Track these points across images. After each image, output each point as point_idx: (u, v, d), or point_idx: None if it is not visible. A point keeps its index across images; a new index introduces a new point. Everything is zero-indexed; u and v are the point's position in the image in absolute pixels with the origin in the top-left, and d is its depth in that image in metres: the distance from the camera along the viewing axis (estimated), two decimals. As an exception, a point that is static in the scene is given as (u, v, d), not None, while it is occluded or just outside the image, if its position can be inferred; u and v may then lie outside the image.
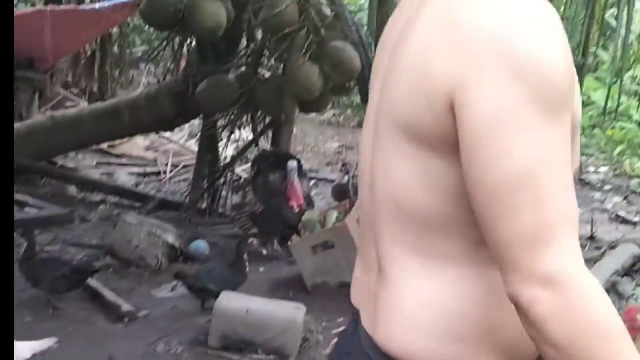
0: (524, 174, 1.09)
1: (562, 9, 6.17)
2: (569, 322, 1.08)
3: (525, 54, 1.08)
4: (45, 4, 8.83)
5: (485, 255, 1.19)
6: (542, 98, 1.08)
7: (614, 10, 8.32)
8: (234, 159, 6.92)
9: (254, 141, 6.83)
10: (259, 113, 6.61)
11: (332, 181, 7.34)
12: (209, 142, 6.91)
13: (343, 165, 6.89)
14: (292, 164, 5.63)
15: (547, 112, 1.09)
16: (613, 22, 8.99)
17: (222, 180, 6.79)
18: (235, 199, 6.71)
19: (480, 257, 1.22)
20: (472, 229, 1.20)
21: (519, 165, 1.09)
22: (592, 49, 7.83)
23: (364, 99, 6.30)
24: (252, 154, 6.91)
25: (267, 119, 6.63)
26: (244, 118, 6.71)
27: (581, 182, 8.73)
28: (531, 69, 1.08)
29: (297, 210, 5.57)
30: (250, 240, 5.19)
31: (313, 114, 9.55)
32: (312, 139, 10.09)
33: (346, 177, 6.43)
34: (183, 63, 7.00)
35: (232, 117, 6.57)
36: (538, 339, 1.11)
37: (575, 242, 1.10)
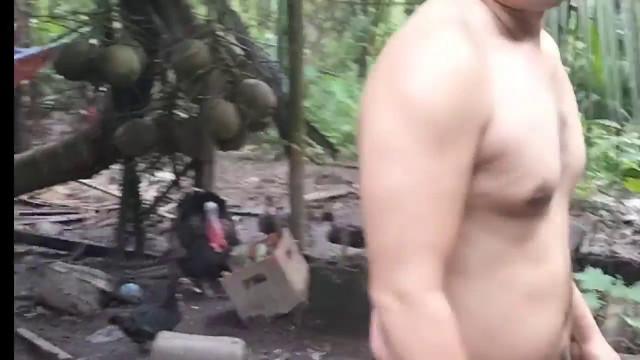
0: (391, 197, 1.23)
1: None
2: (407, 338, 1.23)
3: (410, 92, 1.21)
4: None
5: None
6: (421, 133, 1.20)
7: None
8: (157, 200, 6.97)
9: (176, 182, 6.88)
10: (178, 154, 6.67)
11: (256, 215, 7.42)
12: (130, 186, 6.93)
13: (268, 199, 6.98)
14: (210, 205, 5.69)
15: (427, 145, 1.21)
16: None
17: (146, 222, 6.83)
18: (162, 242, 6.76)
19: None
20: None
21: (388, 188, 1.23)
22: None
23: (281, 133, 6.43)
24: (175, 194, 6.95)
25: (187, 159, 6.70)
26: (164, 160, 6.76)
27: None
28: (412, 106, 1.20)
29: (219, 250, 5.63)
30: (181, 279, 5.25)
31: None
32: (232, 175, 10.15)
33: (272, 210, 6.53)
34: (98, 110, 7.03)
35: (152, 159, 6.61)
36: (385, 344, 1.27)
37: (432, 268, 1.24)
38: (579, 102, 1.69)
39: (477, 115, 1.24)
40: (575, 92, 1.62)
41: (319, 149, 8.62)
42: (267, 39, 11.41)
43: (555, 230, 1.43)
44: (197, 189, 6.40)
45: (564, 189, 1.44)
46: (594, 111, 8.48)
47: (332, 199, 8.97)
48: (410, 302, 1.22)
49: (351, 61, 13.80)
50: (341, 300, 4.78)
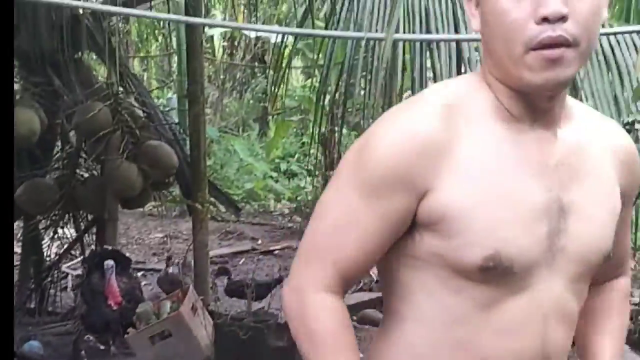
0: (320, 207, 1.49)
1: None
2: (296, 324, 1.48)
3: (369, 143, 1.44)
4: None
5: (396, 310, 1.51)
6: (360, 174, 1.43)
7: (409, 93, 8.79)
8: (59, 257, 6.86)
9: (79, 239, 6.81)
10: (81, 212, 6.60)
11: (160, 271, 7.36)
12: (32, 243, 6.81)
13: (168, 258, 6.94)
14: (108, 263, 5.66)
15: (360, 184, 1.42)
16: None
17: (49, 279, 6.70)
18: (65, 298, 6.63)
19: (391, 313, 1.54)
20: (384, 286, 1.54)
21: (321, 200, 1.48)
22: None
23: (184, 192, 6.45)
24: (78, 250, 6.85)
25: (90, 217, 6.63)
26: (67, 217, 6.67)
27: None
28: (365, 153, 1.43)
29: (115, 308, 5.58)
30: (86, 336, 5.17)
31: (135, 208, 9.47)
32: (136, 232, 10.08)
33: (173, 268, 6.50)
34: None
35: (55, 217, 6.53)
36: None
37: (325, 274, 1.46)
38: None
39: (414, 180, 1.41)
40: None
41: (221, 207, 8.61)
42: (169, 98, 11.41)
43: (537, 309, 1.47)
44: (105, 247, 6.34)
45: (559, 271, 1.47)
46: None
47: (236, 254, 8.95)
48: (301, 296, 1.46)
49: (252, 121, 13.95)
50: (246, 355, 4.80)
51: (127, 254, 6.37)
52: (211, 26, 10.95)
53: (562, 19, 1.36)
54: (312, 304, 1.45)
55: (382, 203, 1.41)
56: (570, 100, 1.55)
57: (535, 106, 1.46)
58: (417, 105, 1.46)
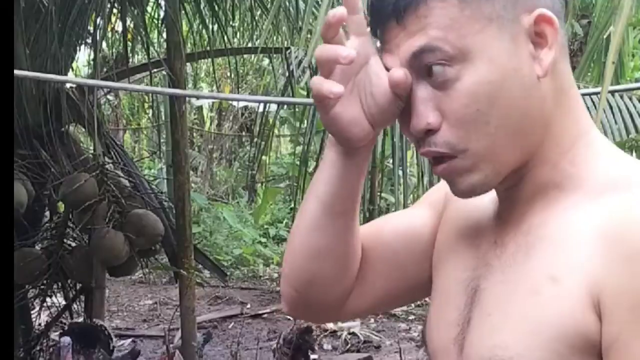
0: None
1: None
2: None
3: None
4: None
5: None
6: None
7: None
8: (48, 326, 6.62)
9: (67, 308, 6.58)
10: (69, 281, 6.39)
11: (150, 337, 7.18)
12: (21, 312, 6.55)
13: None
14: (64, 340, 5.41)
15: None
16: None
17: (38, 347, 6.46)
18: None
19: None
20: None
21: None
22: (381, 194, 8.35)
23: (170, 259, 6.28)
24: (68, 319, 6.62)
25: (78, 286, 6.40)
26: (55, 286, 6.46)
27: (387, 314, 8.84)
28: None
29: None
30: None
31: (124, 275, 9.31)
32: (126, 299, 9.85)
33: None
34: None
35: (43, 286, 6.32)
36: None
37: None
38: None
39: None
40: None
41: (207, 274, 8.45)
42: (161, 168, 11.34)
43: None
44: (74, 321, 6.13)
45: None
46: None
47: (225, 319, 8.78)
48: None
49: (241, 188, 13.91)
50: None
51: (118, 321, 6.16)
52: (195, 97, 10.93)
53: (429, 131, 1.05)
54: None
55: None
56: (604, 166, 1.11)
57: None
58: None
